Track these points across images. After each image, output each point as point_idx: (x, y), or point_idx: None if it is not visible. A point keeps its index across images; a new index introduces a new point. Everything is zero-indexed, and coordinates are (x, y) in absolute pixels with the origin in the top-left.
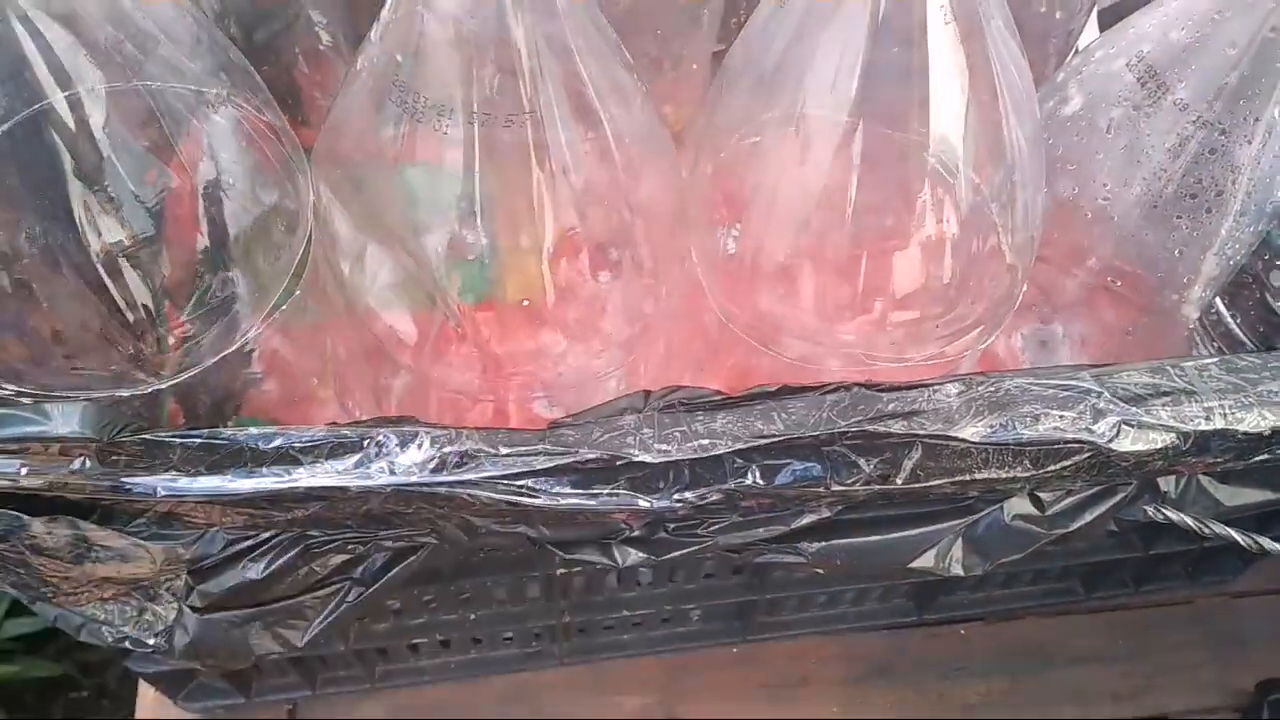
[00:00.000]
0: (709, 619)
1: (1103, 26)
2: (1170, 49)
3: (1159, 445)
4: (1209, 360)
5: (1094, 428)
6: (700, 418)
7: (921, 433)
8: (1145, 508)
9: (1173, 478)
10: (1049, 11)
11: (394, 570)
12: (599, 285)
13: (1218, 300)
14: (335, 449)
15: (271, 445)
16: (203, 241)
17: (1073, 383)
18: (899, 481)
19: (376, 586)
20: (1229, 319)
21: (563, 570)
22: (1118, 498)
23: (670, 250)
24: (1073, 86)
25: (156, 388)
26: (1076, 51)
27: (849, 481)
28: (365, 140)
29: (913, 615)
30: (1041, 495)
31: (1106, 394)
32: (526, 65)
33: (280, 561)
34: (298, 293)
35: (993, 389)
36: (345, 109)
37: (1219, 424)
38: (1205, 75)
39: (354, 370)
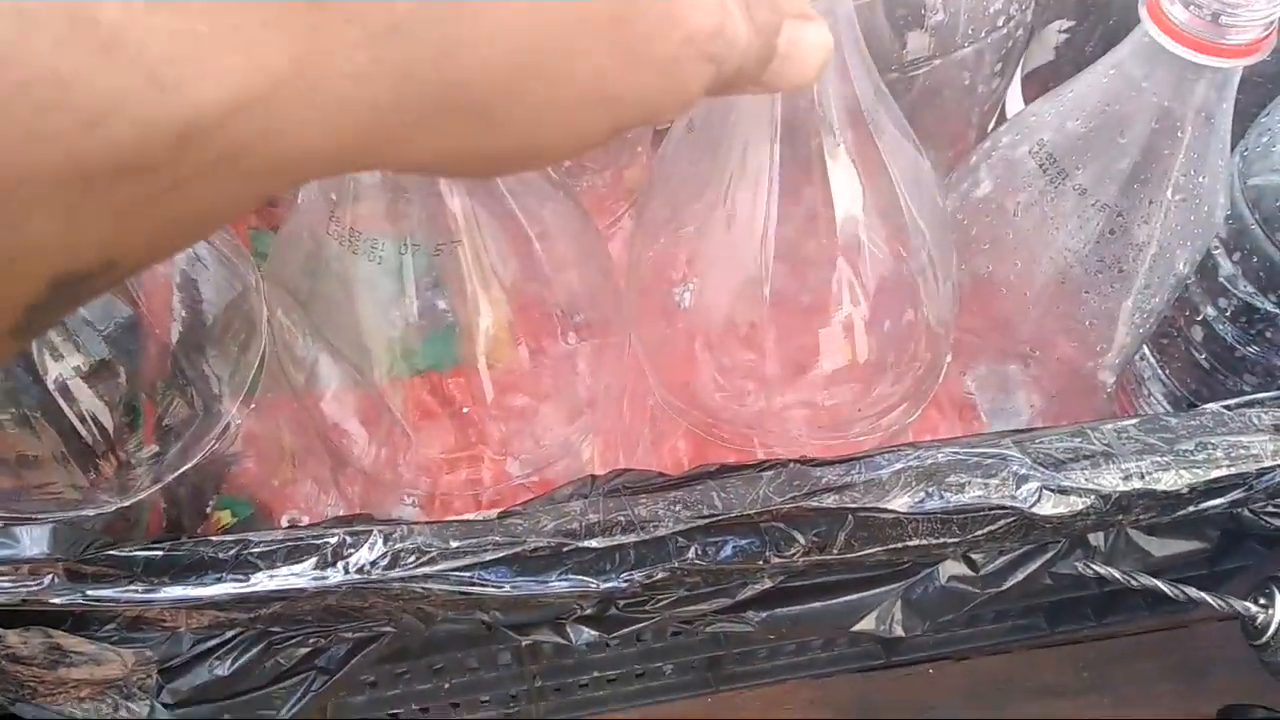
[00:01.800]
0: (681, 671)
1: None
2: (1068, 137)
3: (1079, 508)
4: (1128, 421)
5: (1016, 494)
6: (644, 500)
7: (853, 505)
8: (1076, 564)
9: (1101, 533)
10: (970, 85)
11: (357, 657)
12: (536, 391)
13: (1149, 354)
14: (292, 552)
15: (230, 553)
16: (159, 363)
17: (996, 450)
18: (834, 552)
19: (341, 673)
20: (1159, 371)
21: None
22: (1048, 555)
23: (611, 343)
24: (983, 171)
25: (120, 505)
26: (1003, 118)
27: (787, 554)
28: (308, 267)
29: (881, 658)
30: (974, 556)
31: (1028, 460)
32: (451, 200)
33: (245, 658)
34: (252, 406)
35: (920, 460)
36: (289, 236)
37: (1137, 485)
38: (1101, 162)
39: (315, 456)
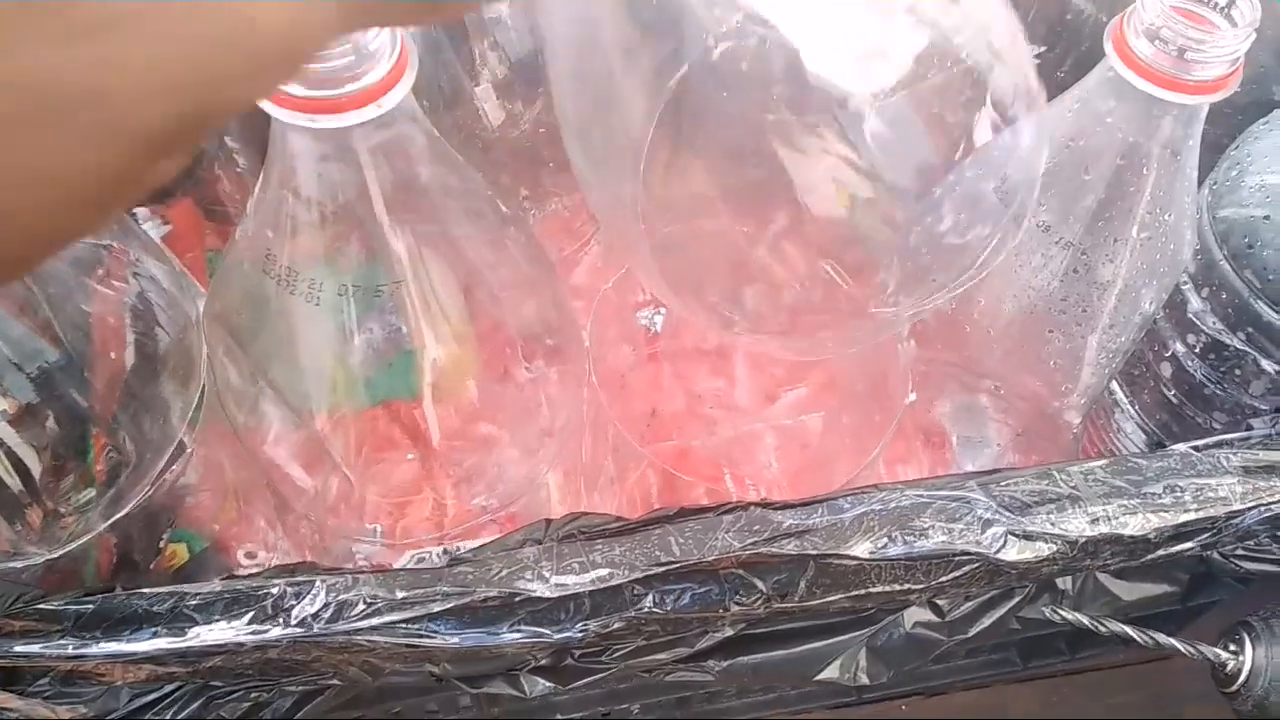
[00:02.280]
0: (649, 710)
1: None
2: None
3: (1045, 553)
4: (1095, 464)
5: (981, 539)
6: (599, 547)
7: (814, 552)
8: (1043, 609)
9: (1069, 577)
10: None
11: (305, 708)
12: (492, 422)
13: (1119, 388)
14: (230, 604)
15: (165, 605)
16: (95, 405)
17: (960, 493)
18: (796, 599)
19: None
20: (1129, 406)
21: None
22: (1015, 600)
23: (570, 371)
24: (946, 204)
25: (49, 558)
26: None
27: (747, 601)
28: (246, 307)
29: (851, 695)
30: (939, 602)
31: (993, 504)
32: (392, 242)
33: (186, 712)
34: (189, 450)
35: (884, 503)
36: (227, 274)
37: (1104, 530)
38: (1065, 199)
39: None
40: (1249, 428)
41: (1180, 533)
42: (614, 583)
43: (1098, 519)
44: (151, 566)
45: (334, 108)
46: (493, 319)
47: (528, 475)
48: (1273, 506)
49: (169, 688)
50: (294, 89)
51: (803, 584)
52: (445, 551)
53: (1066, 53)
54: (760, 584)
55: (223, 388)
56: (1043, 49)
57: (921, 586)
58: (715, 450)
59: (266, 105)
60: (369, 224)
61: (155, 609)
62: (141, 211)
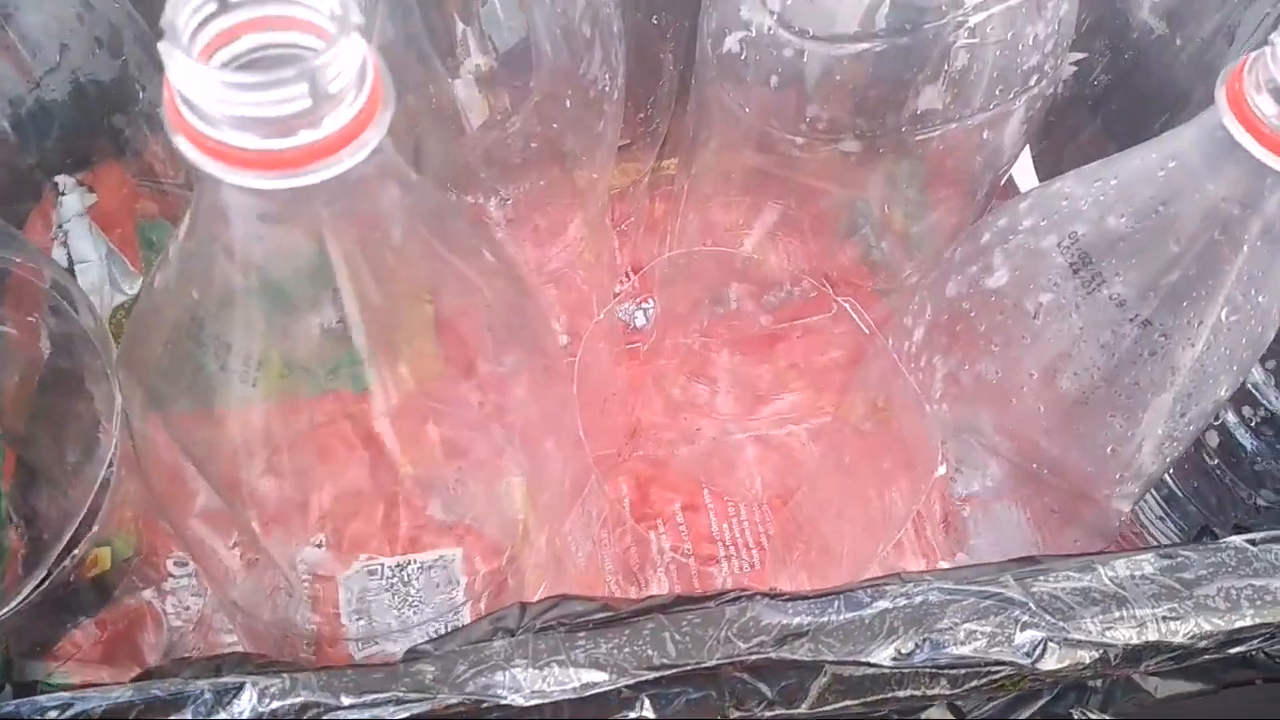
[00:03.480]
0: None
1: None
2: (1107, 236)
3: (1086, 661)
4: (1142, 557)
5: (1017, 644)
6: (582, 642)
7: (830, 658)
8: (1072, 710)
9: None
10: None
11: None
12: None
13: None
14: (144, 713)
15: (67, 715)
16: None
17: (995, 589)
18: (805, 707)
19: None
20: (1167, 477)
21: None
22: (1043, 700)
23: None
24: (998, 256)
25: None
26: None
27: (750, 707)
28: (170, 375)
29: None
30: (960, 703)
31: (1030, 603)
32: (352, 318)
33: None
34: (95, 529)
35: (909, 598)
36: (144, 329)
37: (1151, 636)
38: (1146, 271)
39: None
40: None
41: (1231, 639)
42: (600, 689)
43: (1145, 624)
44: (70, 576)
45: (283, 163)
46: (457, 317)
47: (489, 484)
48: None
49: None
50: (230, 136)
51: (814, 690)
52: (399, 566)
53: (1105, 60)
54: (766, 689)
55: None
56: (1081, 55)
57: (946, 693)
58: (694, 462)
59: (188, 150)
60: (323, 295)
61: (54, 719)
62: (65, 180)
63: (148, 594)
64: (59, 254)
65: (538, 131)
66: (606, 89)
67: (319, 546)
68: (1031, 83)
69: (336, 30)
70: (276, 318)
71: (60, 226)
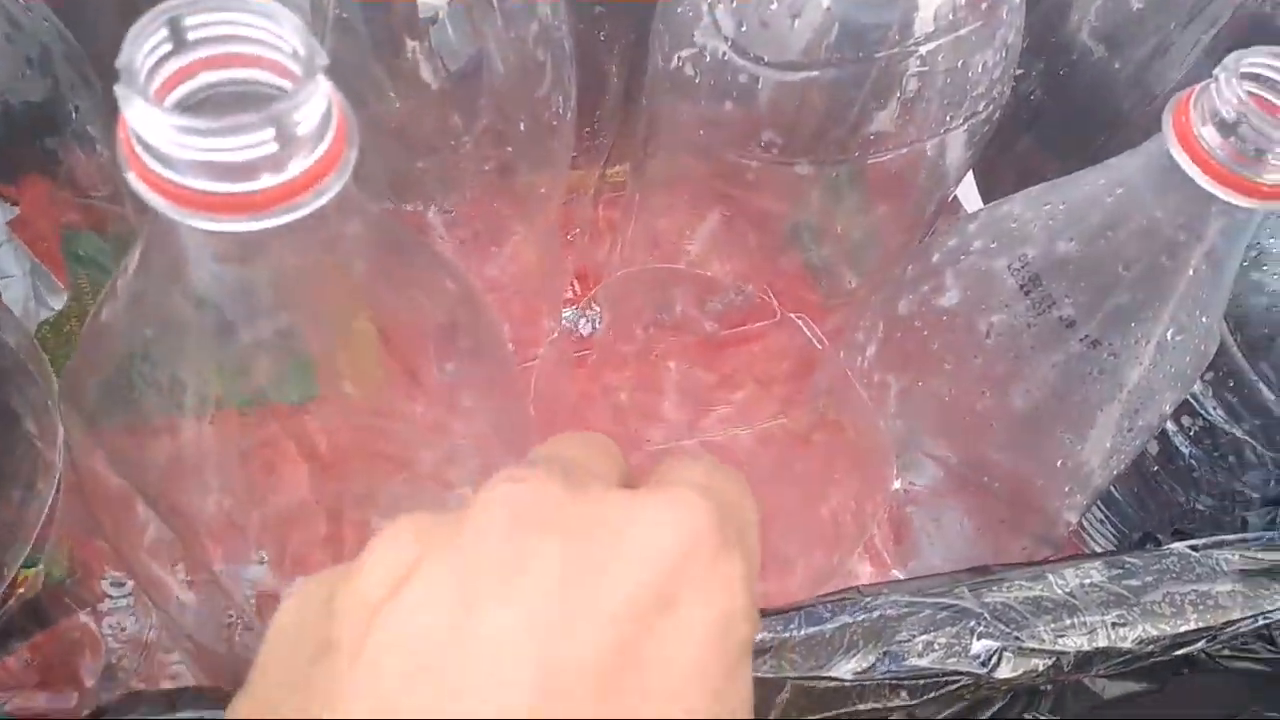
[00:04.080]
0: None
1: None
2: (1057, 260)
3: (1040, 669)
4: (1091, 564)
5: (973, 654)
6: None
7: (792, 674)
8: (1024, 715)
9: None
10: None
11: None
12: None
13: None
14: None
15: None
16: None
17: (950, 601)
18: None
19: None
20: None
21: None
22: (996, 707)
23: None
24: (949, 275)
25: None
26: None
27: None
28: (118, 408)
29: None
30: (918, 714)
31: (986, 614)
32: (310, 352)
33: None
34: (40, 567)
35: (867, 612)
36: (90, 362)
37: (1102, 643)
38: (1095, 293)
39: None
40: (1242, 519)
41: (1176, 643)
42: None
43: (1095, 630)
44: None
45: (245, 206)
46: (401, 325)
47: (437, 496)
48: (1271, 614)
49: None
50: (189, 179)
51: (776, 706)
52: None
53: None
54: None
55: (86, 481)
56: (1018, 71)
57: (907, 704)
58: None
59: (144, 191)
60: (280, 331)
61: None
62: None
63: (83, 616)
64: None
65: (491, 153)
66: (560, 109)
67: (261, 564)
68: (980, 108)
69: (303, 72)
70: (233, 356)
71: None
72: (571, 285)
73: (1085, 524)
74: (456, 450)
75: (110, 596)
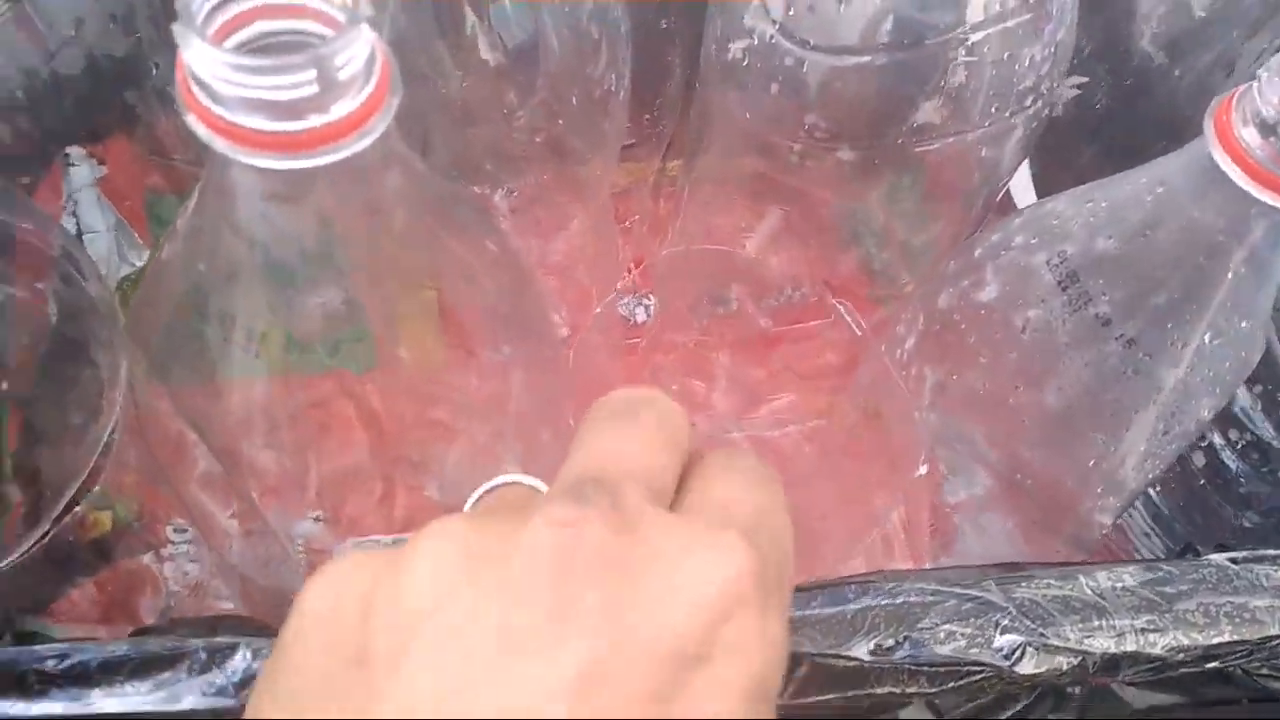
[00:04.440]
0: None
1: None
2: (1095, 257)
3: (1064, 668)
4: (1125, 569)
5: (996, 646)
6: None
7: (810, 650)
8: (1049, 715)
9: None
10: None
11: None
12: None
13: None
14: (139, 668)
15: (63, 665)
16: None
17: (976, 593)
18: (784, 698)
19: None
20: (1150, 490)
21: None
22: (1020, 705)
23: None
24: (989, 270)
25: None
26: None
27: None
28: (174, 344)
29: None
30: (938, 702)
31: (1012, 609)
32: (352, 298)
33: None
34: (95, 489)
35: (890, 596)
36: (152, 299)
37: (1130, 646)
38: (1131, 292)
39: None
40: None
41: (1209, 654)
42: None
43: (1124, 634)
44: (69, 538)
45: (291, 145)
46: (457, 303)
47: (487, 469)
48: None
49: None
50: (241, 117)
51: (793, 682)
52: (396, 541)
53: (1107, 86)
54: None
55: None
56: (1084, 79)
57: (926, 691)
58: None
59: (199, 128)
60: (323, 274)
61: (51, 668)
62: (76, 152)
63: (147, 558)
64: (68, 224)
65: (542, 127)
66: (612, 89)
67: (316, 521)
68: (1028, 103)
69: (346, 21)
70: (279, 294)
71: (70, 197)
72: (629, 272)
73: (1131, 537)
74: (505, 424)
75: (173, 541)
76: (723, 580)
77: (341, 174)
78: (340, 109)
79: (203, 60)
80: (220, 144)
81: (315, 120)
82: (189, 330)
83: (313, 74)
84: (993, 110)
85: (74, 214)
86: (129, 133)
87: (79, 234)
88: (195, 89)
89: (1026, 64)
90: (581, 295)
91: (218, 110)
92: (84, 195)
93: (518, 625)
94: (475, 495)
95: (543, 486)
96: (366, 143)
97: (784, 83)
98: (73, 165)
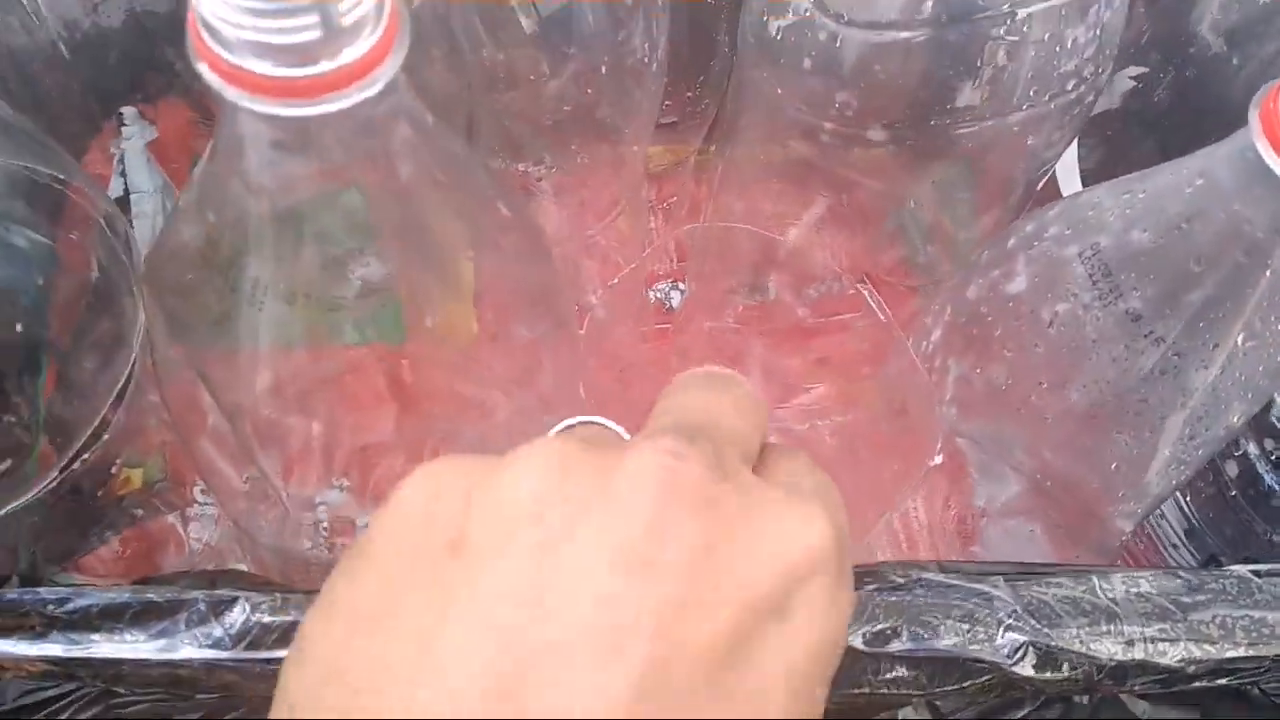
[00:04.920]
0: None
1: (1085, 143)
2: (1128, 249)
3: (1067, 674)
4: (1142, 574)
5: (998, 644)
6: None
7: None
8: None
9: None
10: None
11: None
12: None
13: None
14: (138, 615)
15: (65, 609)
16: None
17: (983, 588)
18: None
19: None
20: (1179, 496)
21: None
22: (1024, 711)
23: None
24: (1020, 261)
25: None
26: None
27: None
28: (186, 294)
29: None
30: (939, 704)
31: (1018, 608)
32: (366, 250)
33: (85, 716)
34: (106, 437)
35: (894, 588)
36: (166, 246)
37: (1138, 656)
38: (1164, 288)
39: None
40: None
41: (1221, 668)
42: None
43: (1133, 642)
44: (99, 494)
45: (297, 91)
46: (489, 282)
47: (511, 447)
48: None
49: (65, 688)
50: (248, 61)
51: None
52: None
53: (1167, 78)
54: None
55: (161, 368)
56: (1143, 70)
57: (925, 691)
58: None
59: (207, 74)
60: (332, 227)
61: (53, 611)
62: (129, 112)
63: (172, 518)
64: (116, 184)
65: (572, 95)
66: (645, 59)
67: (342, 490)
68: (1069, 87)
69: None
70: (286, 245)
71: (120, 158)
72: (669, 257)
73: (1161, 549)
74: (529, 403)
75: (199, 502)
76: (807, 545)
77: (348, 123)
78: (347, 56)
79: (209, 2)
80: (226, 89)
81: (321, 67)
82: (199, 282)
83: (315, 18)
84: (1032, 94)
85: (122, 174)
86: (182, 96)
87: (126, 194)
88: (203, 33)
89: (1069, 45)
90: (615, 275)
91: (224, 54)
92: (133, 156)
93: (615, 540)
94: (558, 428)
95: (623, 431)
96: (371, 92)
97: (816, 58)
98: (125, 126)
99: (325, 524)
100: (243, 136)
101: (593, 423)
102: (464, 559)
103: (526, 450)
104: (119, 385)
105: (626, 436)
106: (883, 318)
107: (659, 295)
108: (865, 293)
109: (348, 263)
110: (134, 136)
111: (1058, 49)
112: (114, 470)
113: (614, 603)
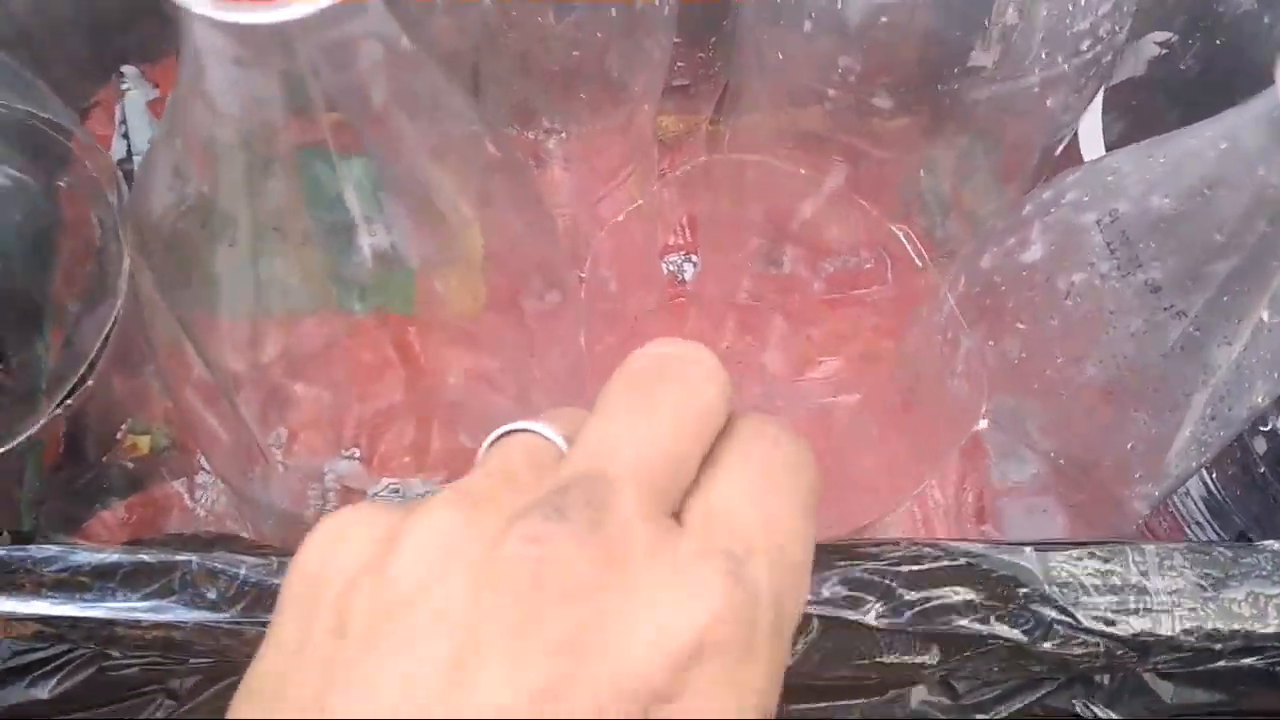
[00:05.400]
0: None
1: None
2: (1148, 217)
3: (1092, 648)
4: (1175, 547)
5: (1019, 619)
6: None
7: (814, 611)
8: (1074, 701)
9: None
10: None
11: (215, 686)
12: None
13: None
14: (129, 575)
15: (55, 568)
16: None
17: (1007, 558)
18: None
19: (197, 700)
20: (1204, 472)
21: None
22: (1044, 690)
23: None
24: (1036, 229)
25: None
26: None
27: None
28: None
29: None
30: (954, 683)
31: (1042, 580)
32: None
33: (74, 680)
34: (90, 384)
35: (911, 559)
36: (144, 183)
37: (1164, 631)
38: (1186, 259)
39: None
40: None
41: (1249, 648)
42: None
43: (1158, 616)
44: (103, 459)
45: None
46: (496, 250)
47: (515, 416)
48: None
49: (58, 649)
50: None
51: (800, 645)
52: (426, 492)
53: (1196, 44)
54: None
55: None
56: (1171, 36)
57: (939, 665)
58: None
59: None
60: (302, 155)
61: (44, 571)
62: (130, 71)
63: (178, 485)
64: (119, 145)
65: (579, 38)
66: (657, 1)
67: (352, 459)
68: (1084, 47)
69: None
70: (252, 173)
71: (122, 120)
72: (681, 230)
73: (1184, 524)
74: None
75: (204, 470)
76: (694, 625)
77: (311, 35)
78: None
79: None
80: None
81: None
82: (172, 218)
83: None
84: (1045, 55)
85: (125, 136)
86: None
87: (129, 155)
88: None
89: (1083, 2)
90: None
91: None
92: (135, 117)
93: (483, 636)
94: (487, 442)
95: (558, 439)
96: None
97: (818, 19)
98: (126, 88)
99: (332, 492)
100: (202, 53)
101: (529, 430)
102: (344, 642)
103: (421, 520)
104: (106, 327)
105: (564, 447)
106: (913, 254)
107: (671, 268)
108: (900, 234)
109: (305, 187)
110: (136, 97)
111: (1071, 6)
112: (119, 436)
113: (477, 701)
